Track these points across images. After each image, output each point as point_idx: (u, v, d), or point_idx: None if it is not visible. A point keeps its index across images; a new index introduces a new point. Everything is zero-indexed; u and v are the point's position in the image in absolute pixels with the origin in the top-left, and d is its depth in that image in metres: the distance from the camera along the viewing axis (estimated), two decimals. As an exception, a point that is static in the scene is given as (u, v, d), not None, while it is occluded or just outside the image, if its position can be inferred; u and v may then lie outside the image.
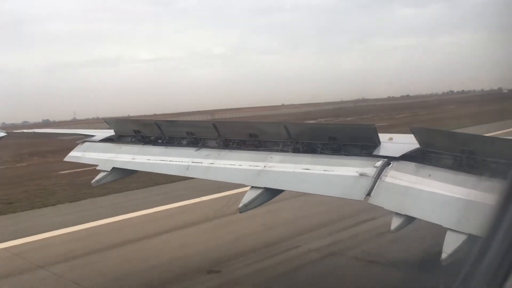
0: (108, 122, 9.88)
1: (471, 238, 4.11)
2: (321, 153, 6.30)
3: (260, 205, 6.16)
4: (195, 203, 18.03)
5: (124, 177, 8.95)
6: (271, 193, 6.19)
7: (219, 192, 17.75)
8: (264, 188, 6.14)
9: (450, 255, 4.17)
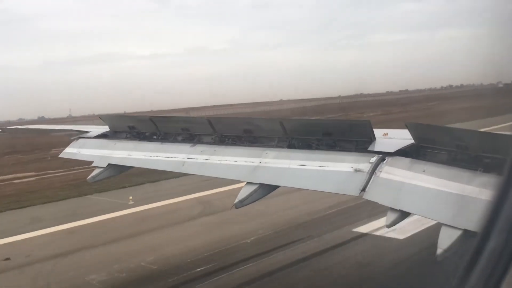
0: (103, 119, 9.84)
1: (466, 233, 4.12)
2: (316, 149, 6.31)
3: (255, 200, 6.17)
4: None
5: (120, 174, 8.92)
6: (266, 189, 6.20)
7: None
8: (260, 184, 6.16)
9: (445, 251, 4.18)
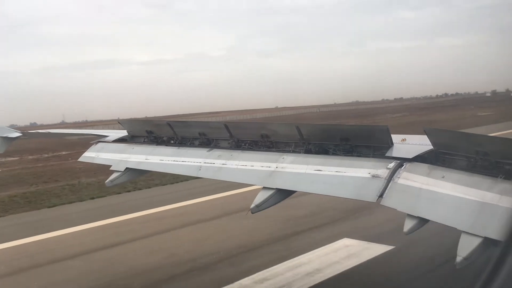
0: (121, 123, 9.96)
1: (486, 241, 4.05)
2: (333, 154, 6.28)
3: (272, 205, 6.16)
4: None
5: (137, 178, 9.00)
6: (283, 194, 6.18)
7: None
8: (276, 189, 6.15)
9: (465, 259, 4.11)
